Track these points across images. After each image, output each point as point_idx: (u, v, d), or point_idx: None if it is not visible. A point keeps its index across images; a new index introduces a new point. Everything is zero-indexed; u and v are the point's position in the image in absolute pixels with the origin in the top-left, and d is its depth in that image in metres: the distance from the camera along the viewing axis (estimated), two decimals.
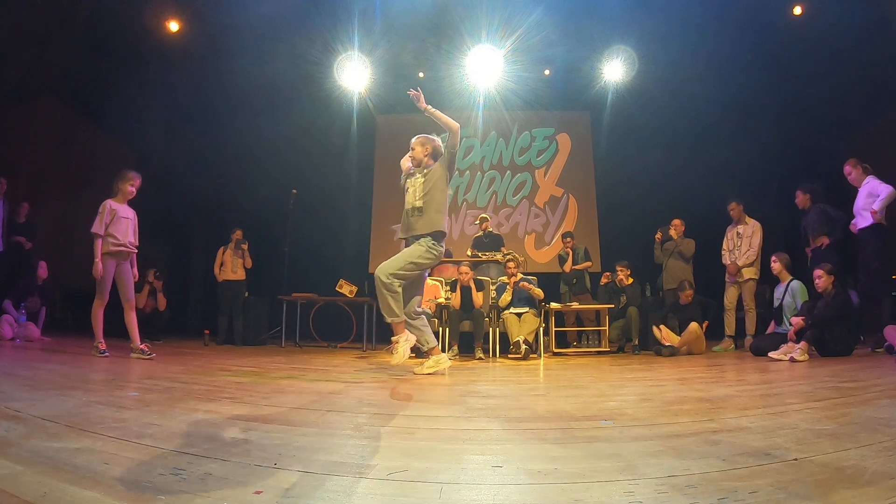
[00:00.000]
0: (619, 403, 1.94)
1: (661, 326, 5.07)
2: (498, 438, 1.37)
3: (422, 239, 3.11)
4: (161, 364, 3.42)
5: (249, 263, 6.46)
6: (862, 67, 6.22)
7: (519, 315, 5.06)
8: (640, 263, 6.19)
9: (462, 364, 4.11)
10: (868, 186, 4.58)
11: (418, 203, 3.13)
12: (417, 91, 3.18)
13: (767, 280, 5.37)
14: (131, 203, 4.04)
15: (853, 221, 4.69)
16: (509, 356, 4.85)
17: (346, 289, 5.97)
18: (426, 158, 3.23)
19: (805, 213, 5.18)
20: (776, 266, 4.94)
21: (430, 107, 3.18)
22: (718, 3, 6.24)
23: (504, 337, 5.16)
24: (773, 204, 6.48)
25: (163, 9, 6.48)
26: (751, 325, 5.40)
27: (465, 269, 5.18)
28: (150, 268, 6.42)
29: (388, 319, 3.03)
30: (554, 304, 5.52)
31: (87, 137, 7.93)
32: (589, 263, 6.35)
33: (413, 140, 3.30)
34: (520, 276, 5.30)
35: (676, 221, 5.84)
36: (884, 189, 4.44)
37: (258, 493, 0.88)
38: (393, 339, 3.03)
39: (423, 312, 3.35)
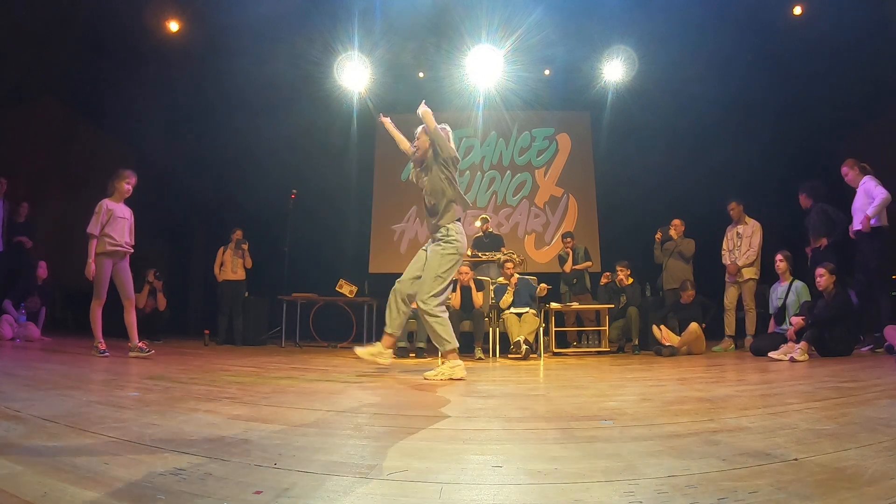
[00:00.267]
0: (619, 403, 1.94)
1: (661, 326, 5.07)
2: (498, 438, 1.37)
3: (433, 245, 3.02)
4: (161, 364, 3.42)
5: (249, 263, 6.46)
6: (862, 67, 6.21)
7: (519, 315, 5.06)
8: (640, 263, 6.19)
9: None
10: (864, 187, 4.56)
11: (429, 201, 3.06)
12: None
13: (767, 280, 5.37)
14: (128, 202, 4.03)
15: (851, 225, 4.67)
16: (509, 356, 4.84)
17: (346, 289, 5.97)
18: (429, 150, 3.12)
19: (807, 212, 5.18)
20: (782, 265, 4.90)
21: (422, 109, 3.11)
22: (718, 3, 6.25)
23: (504, 337, 5.16)
24: (773, 204, 6.46)
25: (163, 9, 6.48)
26: (751, 325, 5.40)
27: (465, 269, 5.17)
28: (151, 268, 6.43)
29: (442, 349, 2.86)
30: (554, 304, 5.52)
31: (87, 137, 7.93)
32: (589, 263, 6.36)
33: (418, 129, 3.20)
34: (517, 277, 5.30)
35: (676, 221, 5.84)
36: (878, 193, 4.40)
37: (258, 493, 0.88)
38: (441, 357, 2.88)
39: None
